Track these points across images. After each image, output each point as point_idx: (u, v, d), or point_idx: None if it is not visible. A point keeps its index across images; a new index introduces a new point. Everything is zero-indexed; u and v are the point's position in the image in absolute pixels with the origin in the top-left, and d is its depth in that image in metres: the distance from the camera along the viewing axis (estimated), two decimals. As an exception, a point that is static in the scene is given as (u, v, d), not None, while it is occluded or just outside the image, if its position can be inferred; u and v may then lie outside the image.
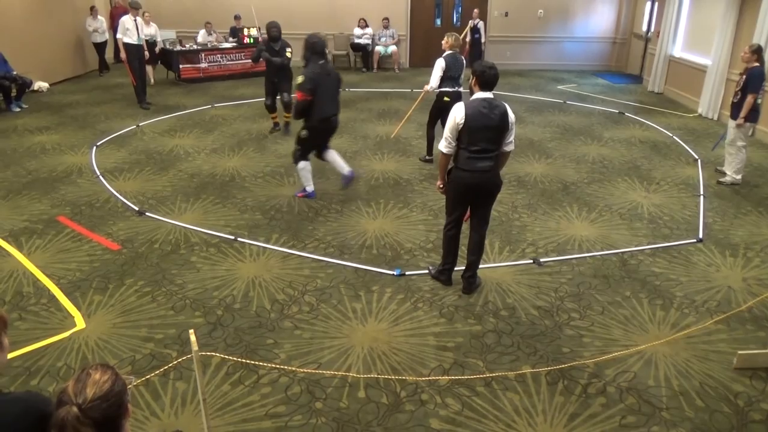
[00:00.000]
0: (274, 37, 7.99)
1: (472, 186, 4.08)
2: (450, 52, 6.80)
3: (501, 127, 3.93)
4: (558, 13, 14.21)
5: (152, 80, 11.99)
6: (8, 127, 8.77)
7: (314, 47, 5.54)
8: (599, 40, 14.29)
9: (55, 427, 1.46)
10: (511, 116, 3.96)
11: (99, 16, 12.58)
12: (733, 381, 3.49)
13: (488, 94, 3.94)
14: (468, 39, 12.95)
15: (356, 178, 6.24)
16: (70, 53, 12.49)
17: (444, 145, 4.04)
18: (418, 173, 7.00)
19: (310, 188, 6.10)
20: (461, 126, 3.90)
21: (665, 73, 11.73)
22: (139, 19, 9.53)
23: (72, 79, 12.48)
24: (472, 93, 4.03)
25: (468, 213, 4.32)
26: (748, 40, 8.72)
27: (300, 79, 5.47)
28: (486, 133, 3.91)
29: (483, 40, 13.06)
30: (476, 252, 4.35)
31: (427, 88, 6.94)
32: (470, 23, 12.72)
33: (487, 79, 3.93)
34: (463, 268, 4.42)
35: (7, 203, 5.98)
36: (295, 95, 5.62)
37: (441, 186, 4.25)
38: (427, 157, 7.38)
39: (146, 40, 10.58)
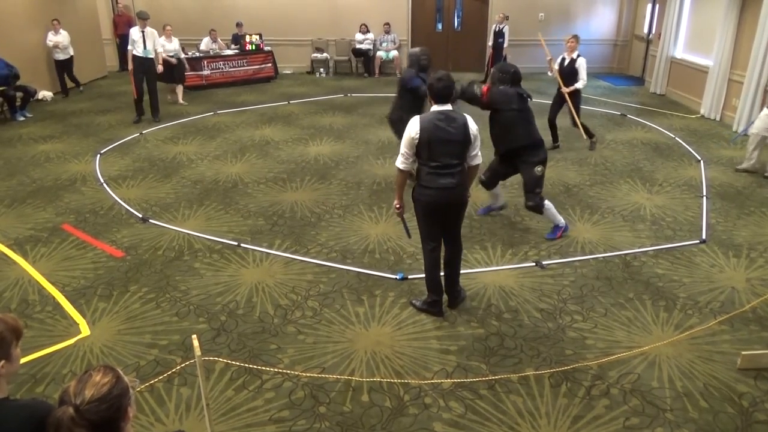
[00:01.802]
0: (424, 66, 6.27)
1: (437, 205, 3.85)
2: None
3: (463, 140, 3.74)
4: (559, 16, 14.22)
5: (181, 100, 11.03)
6: (13, 136, 8.83)
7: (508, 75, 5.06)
8: (600, 42, 14.30)
9: (51, 426, 1.47)
10: (473, 128, 3.76)
11: (62, 30, 11.10)
12: (737, 382, 3.48)
13: (445, 107, 3.73)
14: (490, 43, 12.97)
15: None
16: (75, 61, 12.45)
17: (400, 161, 3.83)
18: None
19: (560, 221, 5.35)
20: (416, 140, 3.70)
21: (667, 74, 11.73)
22: (147, 30, 9.26)
23: (76, 87, 12.53)
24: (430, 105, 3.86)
25: None
26: (750, 40, 8.73)
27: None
28: (445, 147, 3.71)
29: (505, 44, 12.72)
30: (453, 267, 4.13)
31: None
32: (494, 27, 12.69)
33: (437, 91, 3.71)
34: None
35: (13, 212, 6.02)
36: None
37: (397, 206, 4.05)
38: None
39: (170, 56, 10.53)
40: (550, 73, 8.20)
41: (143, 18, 9.37)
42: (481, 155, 3.90)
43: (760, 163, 7.02)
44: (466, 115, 3.79)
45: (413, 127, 3.71)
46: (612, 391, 3.41)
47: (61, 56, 11.24)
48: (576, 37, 7.77)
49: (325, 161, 7.66)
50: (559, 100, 7.96)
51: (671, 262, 4.92)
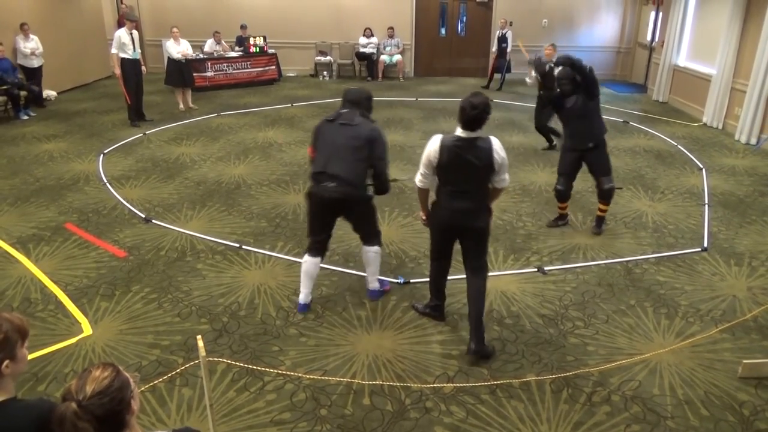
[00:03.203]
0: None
1: (449, 226, 3.71)
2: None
3: (485, 167, 3.50)
4: (562, 23, 14.27)
5: (190, 104, 10.79)
6: (17, 134, 8.86)
7: (344, 95, 4.16)
8: (603, 49, 14.33)
9: (55, 422, 1.48)
10: (499, 155, 3.49)
11: (32, 35, 10.22)
12: (738, 390, 3.48)
13: (472, 134, 3.48)
14: (494, 48, 13.01)
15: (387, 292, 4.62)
16: (79, 62, 12.57)
17: (419, 179, 3.72)
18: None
19: (303, 296, 4.27)
20: (434, 163, 3.55)
21: (670, 82, 11.75)
22: (135, 32, 9.09)
23: (80, 87, 12.58)
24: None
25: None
26: (753, 49, 8.75)
27: None
28: (462, 174, 3.53)
29: (509, 50, 12.77)
30: (476, 303, 3.70)
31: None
32: (498, 32, 12.74)
33: (468, 117, 3.44)
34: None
35: (16, 210, 6.03)
36: None
37: (423, 218, 3.95)
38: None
39: (181, 59, 10.44)
40: (528, 80, 8.20)
41: (133, 20, 9.18)
42: (508, 178, 3.67)
43: None
44: (493, 139, 3.52)
45: (432, 148, 3.54)
46: (613, 397, 3.41)
47: (36, 63, 10.32)
48: (553, 46, 7.79)
49: (328, 164, 7.67)
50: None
51: (673, 270, 4.92)
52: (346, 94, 4.14)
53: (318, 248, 4.18)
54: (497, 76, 13.15)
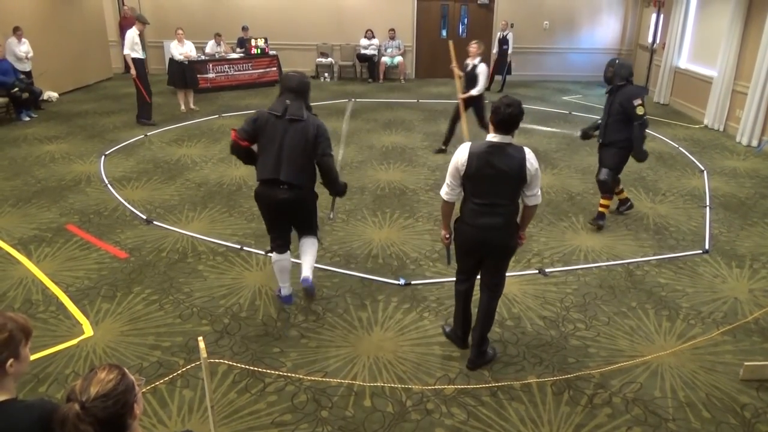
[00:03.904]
0: None
1: (475, 243, 3.43)
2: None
3: (517, 178, 3.25)
4: (563, 25, 14.28)
5: (192, 106, 10.72)
6: (18, 136, 8.87)
7: (284, 81, 4.05)
8: (605, 51, 14.32)
9: (57, 423, 1.48)
10: (532, 165, 3.25)
11: (23, 38, 10.03)
12: (740, 392, 3.48)
13: (504, 138, 3.26)
14: (495, 50, 13.02)
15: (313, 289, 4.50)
16: (80, 63, 12.58)
17: (445, 191, 3.44)
18: (424, 183, 7.02)
19: (285, 290, 4.34)
20: (461, 172, 3.31)
21: (671, 84, 11.75)
22: (141, 34, 9.17)
23: (81, 88, 12.60)
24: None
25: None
26: (754, 51, 8.76)
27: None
28: (493, 185, 3.28)
29: (510, 51, 12.78)
30: (483, 321, 3.61)
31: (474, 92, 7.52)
32: (499, 34, 12.76)
33: (502, 117, 3.21)
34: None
35: (17, 211, 6.04)
36: None
37: (446, 237, 3.62)
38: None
39: (183, 61, 10.48)
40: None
41: (143, 22, 9.27)
42: (540, 195, 3.42)
43: None
44: (526, 148, 3.31)
45: (461, 156, 3.29)
46: (614, 400, 3.41)
47: (27, 67, 10.22)
48: (479, 43, 7.66)
49: (329, 166, 7.67)
50: (465, 105, 7.76)
51: (674, 272, 4.92)
52: (288, 80, 3.97)
53: (282, 245, 4.19)
54: (498, 77, 13.16)
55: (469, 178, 3.31)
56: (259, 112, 3.97)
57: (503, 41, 12.74)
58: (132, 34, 9.09)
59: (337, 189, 4.18)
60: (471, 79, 7.63)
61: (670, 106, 11.74)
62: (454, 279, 3.76)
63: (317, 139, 3.90)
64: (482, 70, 7.54)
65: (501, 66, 12.97)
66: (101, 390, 1.50)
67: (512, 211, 3.38)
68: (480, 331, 3.62)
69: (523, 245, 3.68)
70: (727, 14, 9.58)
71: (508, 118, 3.22)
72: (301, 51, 14.57)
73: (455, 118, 7.95)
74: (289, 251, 4.25)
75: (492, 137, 3.29)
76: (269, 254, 4.31)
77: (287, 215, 4.09)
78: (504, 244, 3.42)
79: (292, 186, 3.88)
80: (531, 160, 3.27)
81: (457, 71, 7.75)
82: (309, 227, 4.24)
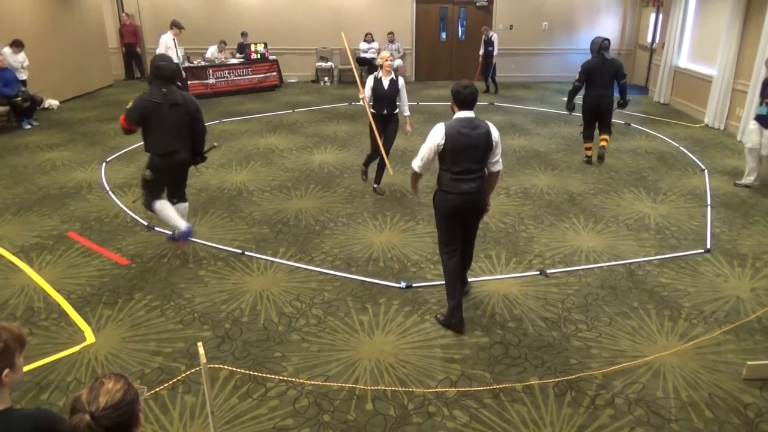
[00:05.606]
0: None
1: (458, 208, 3.96)
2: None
3: (485, 146, 3.86)
4: (562, 26, 14.30)
5: None
6: (19, 144, 8.90)
7: (157, 71, 4.78)
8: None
9: None
10: (495, 134, 3.89)
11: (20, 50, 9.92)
12: (743, 392, 3.47)
13: (469, 113, 3.87)
14: (481, 51, 13.01)
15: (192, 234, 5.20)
16: (81, 71, 12.61)
17: (418, 164, 4.00)
18: (425, 186, 7.02)
19: (183, 225, 5.02)
20: (441, 147, 3.83)
21: (671, 83, 11.75)
22: (176, 39, 8.94)
23: (82, 96, 12.64)
24: (453, 113, 3.91)
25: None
26: (753, 50, 8.75)
27: (129, 104, 4.80)
28: (469, 154, 3.84)
29: (495, 53, 12.75)
30: (466, 261, 4.33)
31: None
32: (483, 36, 12.75)
33: (464, 98, 3.85)
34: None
35: (19, 219, 6.05)
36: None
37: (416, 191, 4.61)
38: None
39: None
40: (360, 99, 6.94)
41: (179, 27, 9.09)
42: (501, 162, 4.03)
43: (759, 178, 6.87)
44: (488, 122, 3.91)
45: (438, 134, 3.83)
46: (617, 400, 3.40)
47: (23, 76, 10.11)
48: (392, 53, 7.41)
49: (330, 169, 7.69)
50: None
51: (676, 272, 4.91)
52: (160, 70, 4.76)
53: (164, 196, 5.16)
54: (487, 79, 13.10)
55: (448, 150, 3.84)
56: (141, 101, 4.76)
57: (488, 43, 12.71)
58: (165, 38, 8.88)
59: (202, 149, 5.18)
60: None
61: (670, 105, 11.73)
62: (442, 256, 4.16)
63: (196, 114, 4.95)
64: (402, 85, 6.84)
65: (487, 66, 12.89)
66: (110, 401, 1.52)
67: (483, 177, 3.98)
68: (464, 266, 4.31)
69: (489, 212, 4.38)
70: (726, 13, 9.57)
71: (469, 96, 3.85)
72: (301, 55, 14.60)
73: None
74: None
75: (460, 114, 3.88)
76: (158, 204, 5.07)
77: (177, 173, 5.12)
78: (481, 207, 4.08)
79: (182, 152, 4.96)
80: (493, 130, 3.90)
81: (363, 92, 6.83)
82: (184, 191, 5.28)
